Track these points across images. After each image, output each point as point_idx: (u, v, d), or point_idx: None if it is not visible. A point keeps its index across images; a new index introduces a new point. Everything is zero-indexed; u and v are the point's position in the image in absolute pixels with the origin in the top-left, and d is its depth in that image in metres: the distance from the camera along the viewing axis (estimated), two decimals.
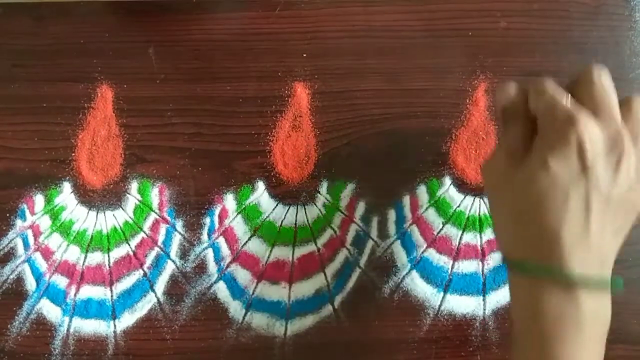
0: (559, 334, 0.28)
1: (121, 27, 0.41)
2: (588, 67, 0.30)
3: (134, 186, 0.40)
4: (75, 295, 0.39)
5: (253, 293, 0.39)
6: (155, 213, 0.40)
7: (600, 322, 0.29)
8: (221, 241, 0.40)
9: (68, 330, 0.38)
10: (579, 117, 0.28)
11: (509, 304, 0.33)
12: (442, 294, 0.39)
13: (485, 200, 0.40)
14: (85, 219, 0.40)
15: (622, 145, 0.28)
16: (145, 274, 0.39)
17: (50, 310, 0.38)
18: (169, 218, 0.40)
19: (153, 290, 0.39)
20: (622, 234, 0.30)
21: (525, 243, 0.30)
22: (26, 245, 0.39)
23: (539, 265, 0.29)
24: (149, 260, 0.39)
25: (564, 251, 0.28)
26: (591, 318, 0.28)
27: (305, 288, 0.39)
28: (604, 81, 0.29)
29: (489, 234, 0.40)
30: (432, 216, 0.40)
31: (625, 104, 0.29)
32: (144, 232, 0.40)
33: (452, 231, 0.40)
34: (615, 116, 0.29)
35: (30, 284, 0.39)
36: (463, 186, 0.40)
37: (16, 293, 0.39)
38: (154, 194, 0.40)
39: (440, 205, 0.40)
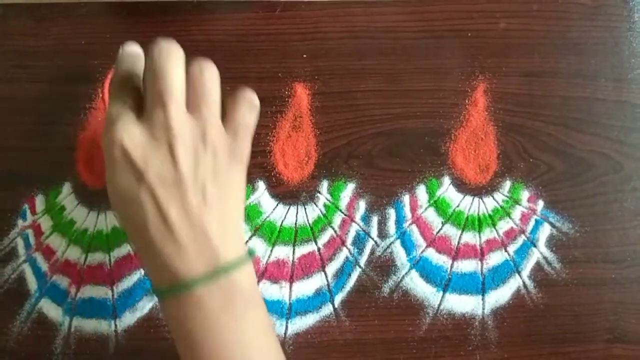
0: (203, 340, 0.28)
1: (122, 28, 0.41)
2: (155, 51, 0.29)
3: None
4: (76, 294, 0.39)
5: None
6: None
7: (234, 302, 0.29)
8: None
9: (69, 329, 0.38)
10: (117, 122, 0.29)
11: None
12: (441, 293, 0.39)
13: (484, 199, 0.40)
14: (85, 218, 0.40)
15: (169, 132, 0.28)
16: (146, 274, 0.39)
17: (51, 310, 0.39)
18: None
19: None
20: (228, 199, 0.30)
21: (147, 268, 0.30)
22: (27, 245, 0.39)
23: (160, 289, 0.29)
24: None
25: (167, 264, 0.28)
26: (221, 308, 0.28)
27: (305, 287, 0.39)
28: (162, 64, 0.29)
29: (488, 234, 0.40)
30: (431, 216, 0.40)
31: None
32: None
33: (451, 231, 0.40)
34: (168, 107, 0.29)
35: (32, 283, 0.39)
36: (462, 186, 0.41)
37: (17, 293, 0.39)
38: None
39: (439, 205, 0.40)
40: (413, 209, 0.40)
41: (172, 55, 0.29)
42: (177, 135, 0.28)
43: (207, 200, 0.29)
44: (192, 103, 0.30)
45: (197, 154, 0.29)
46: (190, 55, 0.41)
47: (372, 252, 0.40)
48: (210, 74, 0.30)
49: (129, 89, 0.31)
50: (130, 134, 0.28)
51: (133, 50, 0.32)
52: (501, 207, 0.40)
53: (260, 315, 0.30)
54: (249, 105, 0.32)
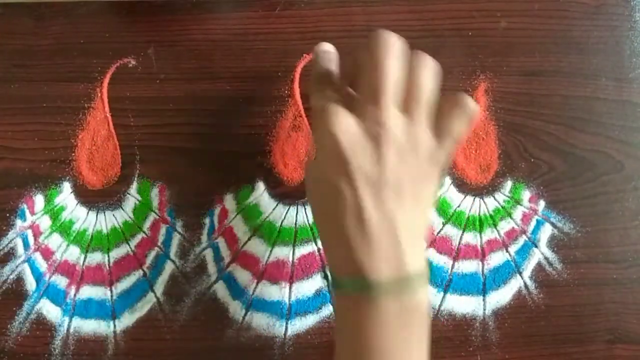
0: (369, 337, 0.28)
1: (121, 27, 0.41)
2: (372, 42, 0.29)
3: (133, 186, 0.40)
4: (75, 295, 0.39)
5: (253, 293, 0.39)
6: (155, 213, 0.40)
7: (411, 313, 0.28)
8: (221, 241, 0.40)
9: (68, 330, 0.38)
10: (331, 110, 0.29)
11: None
12: (442, 294, 0.39)
13: (485, 200, 0.40)
14: (85, 219, 0.40)
15: (380, 128, 0.28)
16: (145, 274, 0.39)
17: (50, 310, 0.38)
18: (168, 218, 0.40)
19: (153, 290, 0.39)
20: (421, 205, 0.30)
21: (329, 253, 0.31)
22: (26, 245, 0.39)
23: (341, 279, 0.29)
24: (148, 260, 0.39)
25: (354, 257, 0.28)
26: (397, 313, 0.28)
27: (305, 288, 0.39)
28: (383, 59, 0.29)
29: (489, 234, 0.40)
30: (432, 216, 0.40)
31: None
32: (144, 232, 0.40)
33: (452, 231, 0.40)
34: (382, 103, 0.29)
35: (30, 284, 0.39)
36: (463, 186, 0.40)
37: (16, 293, 0.39)
38: (154, 194, 0.40)
39: (440, 205, 0.40)
40: None
41: (391, 48, 0.29)
42: (387, 132, 0.28)
43: (402, 202, 0.29)
44: (406, 100, 0.29)
45: (401, 154, 0.29)
46: (189, 54, 0.41)
47: None
48: (428, 73, 0.30)
49: (330, 84, 0.32)
50: (344, 124, 0.28)
51: (328, 48, 0.34)
52: (502, 207, 0.40)
53: (427, 340, 0.30)
54: (464, 114, 0.30)
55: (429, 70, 0.30)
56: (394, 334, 0.28)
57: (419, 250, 0.29)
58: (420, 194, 0.29)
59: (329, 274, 0.30)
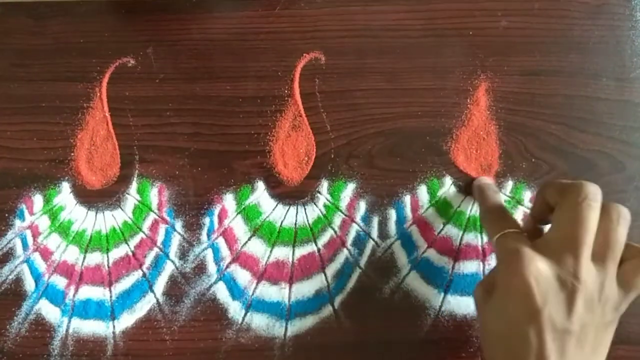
0: None
1: (120, 26, 0.41)
2: (574, 190, 0.30)
3: (133, 186, 0.40)
4: (74, 295, 0.39)
5: (253, 293, 0.39)
6: (155, 213, 0.40)
7: None
8: (221, 241, 0.39)
9: (67, 330, 0.38)
10: (524, 254, 0.29)
11: None
12: (442, 294, 0.39)
13: None
14: (84, 219, 0.40)
15: (575, 281, 0.29)
16: (144, 275, 0.39)
17: (49, 311, 0.38)
18: (168, 218, 0.40)
19: (152, 291, 0.39)
20: (599, 352, 0.30)
21: None
22: (25, 245, 0.39)
23: None
24: (148, 261, 0.39)
25: None
26: None
27: (305, 288, 0.39)
28: (585, 211, 0.29)
29: None
30: (432, 216, 0.40)
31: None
32: (143, 233, 0.39)
33: (452, 231, 0.40)
34: (580, 256, 0.29)
35: (29, 284, 0.39)
36: (464, 186, 0.40)
37: (15, 293, 0.38)
38: (153, 194, 0.40)
39: (440, 206, 0.40)
40: (414, 209, 0.40)
41: (595, 204, 0.29)
42: (582, 285, 0.29)
43: (583, 351, 0.29)
44: (599, 251, 0.30)
45: (590, 304, 0.29)
46: (189, 53, 0.41)
47: (373, 253, 0.39)
48: (624, 227, 0.30)
49: (508, 220, 0.33)
50: (538, 269, 0.29)
51: (490, 181, 0.38)
52: None
53: None
54: None
55: (625, 225, 0.30)
56: None
57: None
58: (600, 344, 0.30)
59: None
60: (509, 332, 0.29)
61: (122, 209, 0.40)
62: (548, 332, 0.28)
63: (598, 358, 0.30)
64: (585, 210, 0.29)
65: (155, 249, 0.39)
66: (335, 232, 0.40)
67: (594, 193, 0.30)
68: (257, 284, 0.39)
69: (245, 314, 0.39)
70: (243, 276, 0.39)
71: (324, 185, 0.40)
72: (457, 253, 0.40)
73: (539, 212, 0.33)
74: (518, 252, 0.30)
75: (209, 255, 0.39)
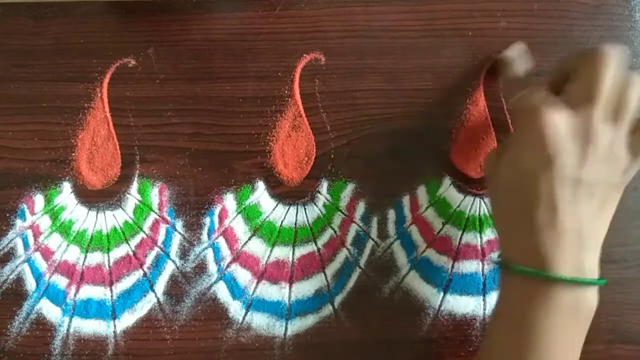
0: (537, 325, 0.29)
1: (121, 27, 0.41)
2: (599, 47, 0.31)
3: (133, 186, 0.40)
4: (75, 295, 0.39)
5: (253, 293, 0.39)
6: (155, 213, 0.40)
7: (580, 314, 0.30)
8: (221, 241, 0.40)
9: (68, 330, 0.38)
10: (542, 107, 0.30)
11: (497, 298, 0.33)
12: (442, 294, 0.39)
13: (485, 199, 0.40)
14: (85, 219, 0.40)
15: (588, 133, 0.30)
16: (145, 274, 0.39)
17: (50, 311, 0.38)
18: (168, 218, 0.40)
19: (153, 291, 0.39)
20: (606, 213, 0.31)
21: (508, 240, 0.32)
22: (26, 245, 0.39)
23: (517, 267, 0.30)
24: (149, 261, 0.39)
25: (539, 248, 0.29)
26: (569, 310, 0.29)
27: (305, 288, 0.39)
28: (603, 67, 0.30)
29: (489, 234, 0.40)
30: (432, 216, 0.40)
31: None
32: (144, 232, 0.40)
33: (452, 231, 0.40)
34: (595, 104, 0.30)
35: (30, 284, 0.39)
36: (463, 186, 0.40)
37: (16, 293, 0.39)
38: (154, 194, 0.40)
39: (440, 205, 0.40)
40: (413, 209, 0.40)
41: (613, 59, 0.30)
42: (596, 133, 0.30)
43: (591, 206, 0.30)
44: (613, 109, 0.30)
45: (601, 158, 0.30)
46: (189, 54, 0.41)
47: (373, 253, 0.39)
48: (635, 92, 0.31)
49: (534, 83, 0.34)
50: (554, 119, 0.30)
51: (522, 47, 0.38)
52: None
53: (581, 347, 0.31)
54: None
55: (636, 91, 0.31)
56: (561, 327, 0.29)
57: (595, 257, 0.31)
58: (607, 202, 0.31)
59: (494, 258, 0.34)
60: (521, 182, 0.30)
61: (122, 209, 0.40)
62: (561, 179, 0.29)
63: (604, 216, 0.31)
64: (603, 68, 0.30)
65: (156, 249, 0.39)
66: (335, 232, 0.40)
67: (614, 54, 0.30)
68: (258, 283, 0.39)
69: (246, 314, 0.39)
70: (243, 276, 0.39)
71: (324, 185, 0.40)
72: (457, 253, 0.40)
73: (557, 80, 0.33)
74: (535, 105, 0.30)
75: (210, 254, 0.39)
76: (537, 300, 0.29)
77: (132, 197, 0.40)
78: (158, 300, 0.39)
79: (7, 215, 0.39)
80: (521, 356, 0.29)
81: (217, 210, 0.40)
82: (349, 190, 0.40)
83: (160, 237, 0.39)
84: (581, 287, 0.30)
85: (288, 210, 0.40)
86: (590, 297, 0.30)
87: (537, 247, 0.29)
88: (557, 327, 0.29)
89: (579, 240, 0.30)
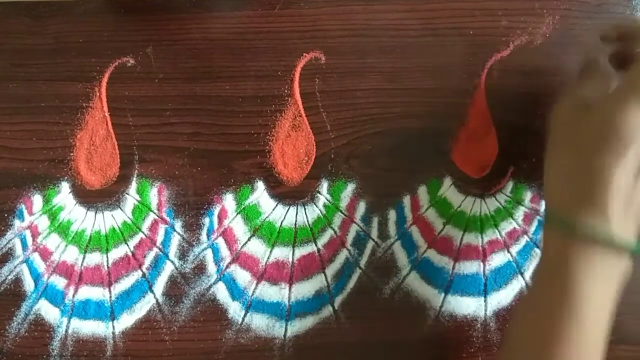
0: (574, 279, 0.30)
1: (120, 26, 0.41)
2: None
3: (132, 186, 0.40)
4: (73, 296, 0.39)
5: (253, 294, 0.39)
6: (154, 213, 0.40)
7: (614, 277, 0.31)
8: (220, 242, 0.39)
9: (66, 331, 0.38)
10: (633, 97, 0.30)
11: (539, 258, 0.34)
12: (443, 294, 0.39)
13: (486, 200, 0.40)
14: (83, 219, 0.40)
15: None
16: (144, 275, 0.39)
17: (48, 311, 0.38)
18: (167, 218, 0.39)
19: (152, 291, 0.39)
20: None
21: (573, 192, 0.31)
22: (24, 245, 0.39)
23: (567, 218, 0.31)
24: (147, 261, 0.39)
25: (608, 209, 0.30)
26: (608, 270, 0.30)
27: (305, 289, 0.39)
28: None
29: (490, 235, 0.40)
30: (432, 216, 0.40)
31: None
32: (143, 233, 0.39)
33: (453, 232, 0.40)
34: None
35: (29, 284, 0.39)
36: (464, 186, 0.40)
37: (14, 294, 0.38)
38: (153, 194, 0.40)
39: (440, 206, 0.40)
40: (414, 210, 0.40)
41: None
42: None
43: None
44: None
45: None
46: (188, 53, 0.41)
47: (373, 253, 0.39)
48: None
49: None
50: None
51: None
52: (503, 207, 0.40)
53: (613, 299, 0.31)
54: None
55: None
56: (597, 285, 0.30)
57: (634, 229, 0.31)
58: None
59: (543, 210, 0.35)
60: (615, 142, 0.30)
61: (121, 209, 0.40)
62: (626, 166, 0.30)
63: None
64: None
65: (155, 249, 0.39)
66: (335, 232, 0.40)
67: None
68: (257, 284, 0.39)
69: (245, 315, 0.39)
70: (243, 276, 0.39)
71: (324, 185, 0.40)
72: (457, 253, 0.39)
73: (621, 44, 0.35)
74: (635, 91, 0.30)
75: (209, 255, 0.39)
76: (576, 254, 0.30)
77: (131, 197, 0.40)
78: (157, 301, 0.38)
79: (6, 215, 0.39)
80: (555, 310, 0.30)
81: (216, 210, 0.40)
82: (349, 190, 0.40)
83: (159, 238, 0.39)
84: (621, 249, 0.30)
85: (288, 210, 0.40)
86: (625, 263, 0.31)
87: (593, 202, 0.30)
88: (593, 284, 0.30)
89: (630, 208, 0.30)
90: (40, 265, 0.39)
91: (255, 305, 0.39)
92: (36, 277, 0.39)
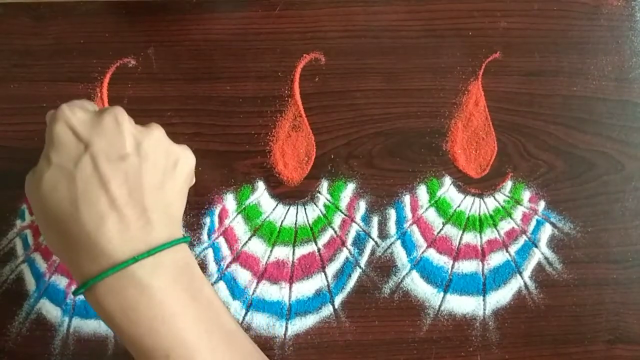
0: (147, 314, 0.28)
1: (121, 27, 0.41)
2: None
3: None
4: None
5: (253, 293, 0.39)
6: None
7: (171, 279, 0.29)
8: (221, 241, 0.39)
9: (68, 330, 0.38)
10: (60, 108, 0.30)
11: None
12: (442, 294, 0.39)
13: (485, 200, 0.40)
14: None
15: (111, 112, 0.30)
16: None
17: (50, 310, 0.38)
18: None
19: None
20: (171, 186, 0.31)
21: (72, 254, 0.29)
22: (26, 245, 0.39)
23: (91, 275, 0.28)
24: None
25: (99, 241, 0.28)
26: (160, 288, 0.28)
27: (305, 288, 0.39)
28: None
29: (489, 234, 0.40)
30: (432, 216, 0.40)
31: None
32: None
33: (452, 231, 0.40)
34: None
35: (30, 284, 0.39)
36: (463, 186, 0.40)
37: (16, 293, 0.38)
38: None
39: (440, 205, 0.40)
40: (414, 209, 0.40)
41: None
42: (116, 115, 0.30)
43: (148, 174, 0.30)
44: None
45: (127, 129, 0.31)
46: (189, 54, 0.41)
47: (373, 253, 0.39)
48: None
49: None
50: (72, 112, 0.30)
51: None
52: (502, 207, 0.40)
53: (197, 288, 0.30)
54: None
55: None
56: (155, 295, 0.28)
57: (169, 220, 0.31)
58: (161, 170, 0.32)
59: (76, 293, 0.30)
60: (61, 184, 0.29)
61: None
62: (101, 163, 0.29)
63: (169, 192, 0.31)
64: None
65: None
66: (335, 232, 0.40)
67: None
68: (258, 283, 0.39)
69: (246, 314, 0.39)
70: (243, 276, 0.39)
71: (324, 185, 0.40)
72: (457, 253, 0.40)
73: None
74: (56, 110, 0.30)
75: (210, 254, 0.39)
76: (128, 295, 0.28)
77: None
78: None
79: (7, 215, 0.39)
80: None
81: (217, 210, 0.40)
82: (349, 190, 0.40)
83: None
84: (165, 254, 0.29)
85: (288, 210, 0.40)
86: (176, 257, 0.29)
87: (99, 245, 0.28)
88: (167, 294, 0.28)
89: (147, 216, 0.29)
90: (41, 264, 0.39)
91: (255, 305, 0.39)
92: (38, 276, 0.39)
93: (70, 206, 0.28)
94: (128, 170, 0.29)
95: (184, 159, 0.33)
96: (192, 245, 0.39)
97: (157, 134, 0.32)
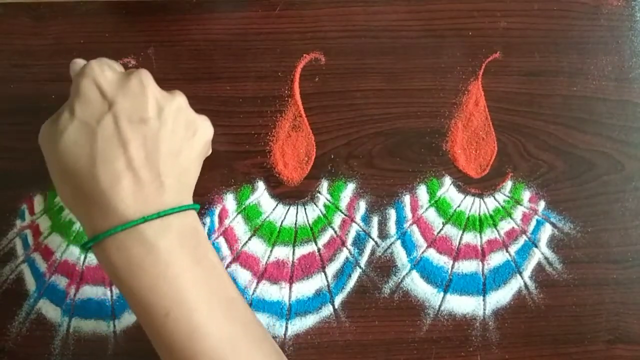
0: (155, 273, 0.29)
1: (121, 27, 0.41)
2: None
3: None
4: (75, 295, 0.39)
5: (253, 293, 0.39)
6: None
7: (181, 242, 0.30)
8: (221, 241, 0.40)
9: (68, 330, 0.38)
10: (89, 64, 0.31)
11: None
12: (442, 294, 0.39)
13: (485, 200, 0.40)
14: None
15: (138, 75, 0.31)
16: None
17: (50, 310, 0.38)
18: None
19: None
20: (187, 154, 0.32)
21: (85, 209, 0.30)
22: (26, 245, 0.39)
23: (101, 229, 0.29)
24: None
25: (112, 199, 0.29)
26: (167, 250, 0.29)
27: (305, 288, 0.39)
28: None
29: (489, 234, 0.40)
30: (432, 216, 0.40)
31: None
32: None
33: (452, 231, 0.40)
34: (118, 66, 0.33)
35: (30, 284, 0.39)
36: (463, 186, 0.40)
37: (16, 293, 0.38)
38: None
39: (440, 205, 0.40)
40: (414, 209, 0.40)
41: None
42: (142, 81, 0.31)
43: (167, 140, 0.31)
44: None
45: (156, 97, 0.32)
46: (189, 54, 0.41)
47: (373, 253, 0.39)
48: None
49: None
50: (100, 70, 0.31)
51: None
52: (502, 207, 0.40)
53: (201, 253, 0.31)
54: None
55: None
56: (161, 257, 0.29)
57: (183, 187, 0.33)
58: (180, 138, 0.33)
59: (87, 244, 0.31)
60: (82, 139, 0.30)
61: None
62: (123, 123, 0.30)
63: (183, 159, 0.32)
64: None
65: None
66: (335, 232, 0.40)
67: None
68: (258, 283, 0.39)
69: None
70: (243, 276, 0.39)
71: (324, 185, 0.40)
72: (457, 253, 0.40)
73: None
74: (85, 65, 0.31)
75: None
76: (134, 253, 0.29)
77: None
78: None
79: (7, 215, 0.39)
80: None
81: (217, 210, 0.40)
82: (349, 190, 0.40)
83: None
84: (174, 216, 0.30)
85: (288, 210, 0.40)
86: (185, 222, 0.31)
87: (111, 202, 0.29)
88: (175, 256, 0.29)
89: (161, 179, 0.30)
90: (41, 264, 0.39)
91: (255, 305, 0.39)
92: (38, 276, 0.39)
93: (88, 162, 0.29)
94: (147, 134, 0.30)
95: (203, 129, 0.34)
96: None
97: (179, 100, 0.33)
